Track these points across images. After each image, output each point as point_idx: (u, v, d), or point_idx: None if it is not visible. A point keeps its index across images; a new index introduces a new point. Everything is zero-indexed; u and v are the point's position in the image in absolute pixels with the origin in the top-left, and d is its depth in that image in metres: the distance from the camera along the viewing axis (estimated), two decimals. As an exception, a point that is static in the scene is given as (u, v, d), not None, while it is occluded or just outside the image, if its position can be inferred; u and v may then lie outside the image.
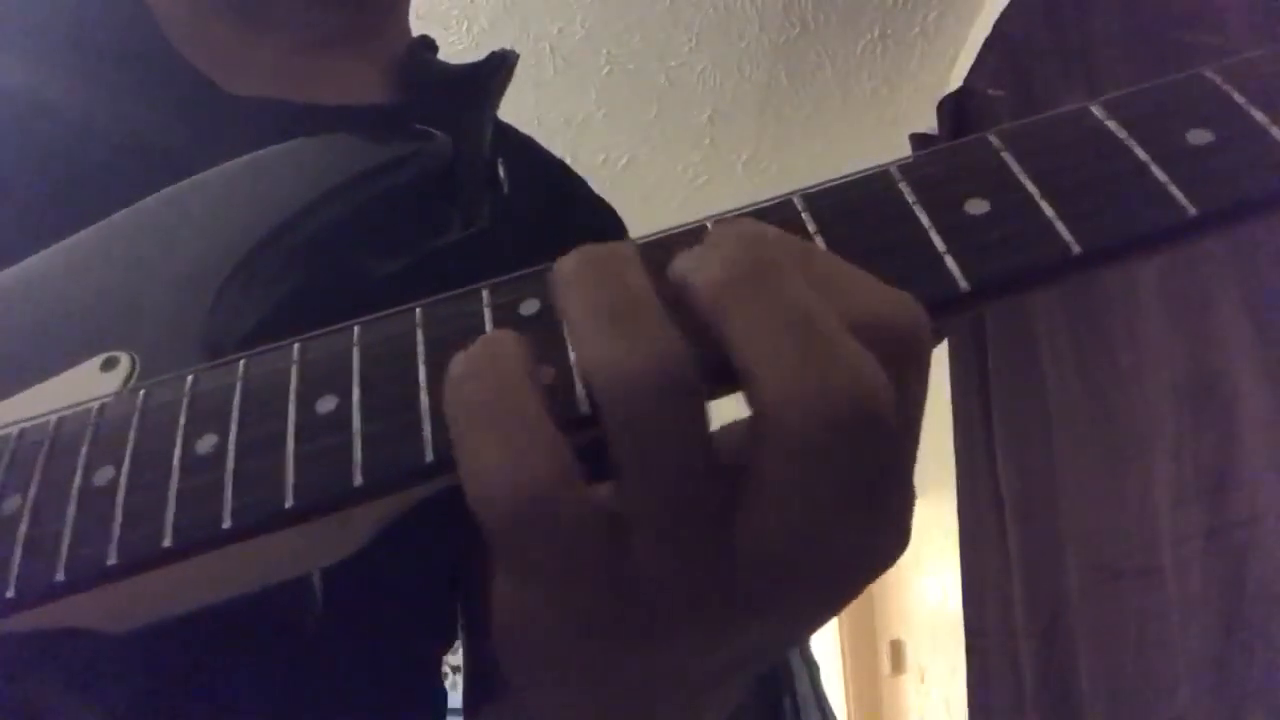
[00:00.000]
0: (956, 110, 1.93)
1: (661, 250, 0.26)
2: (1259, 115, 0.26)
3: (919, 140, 2.06)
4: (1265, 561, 1.10)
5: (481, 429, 0.23)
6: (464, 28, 1.93)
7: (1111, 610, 1.39)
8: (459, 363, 0.24)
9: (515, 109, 0.67)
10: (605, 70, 2.10)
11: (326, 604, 0.36)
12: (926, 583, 2.71)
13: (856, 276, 0.25)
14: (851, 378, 0.22)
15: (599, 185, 0.68)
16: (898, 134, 2.14)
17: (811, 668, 2.23)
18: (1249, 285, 1.14)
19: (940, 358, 1.95)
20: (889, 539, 0.26)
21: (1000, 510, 1.74)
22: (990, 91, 1.84)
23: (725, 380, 0.25)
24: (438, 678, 0.53)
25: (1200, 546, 1.18)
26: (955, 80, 2.04)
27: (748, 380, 0.23)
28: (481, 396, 0.24)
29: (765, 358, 0.23)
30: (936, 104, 2.00)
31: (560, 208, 0.60)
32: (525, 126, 0.67)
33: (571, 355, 0.26)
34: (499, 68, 0.59)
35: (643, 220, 0.64)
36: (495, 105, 0.57)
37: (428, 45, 0.63)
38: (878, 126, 2.27)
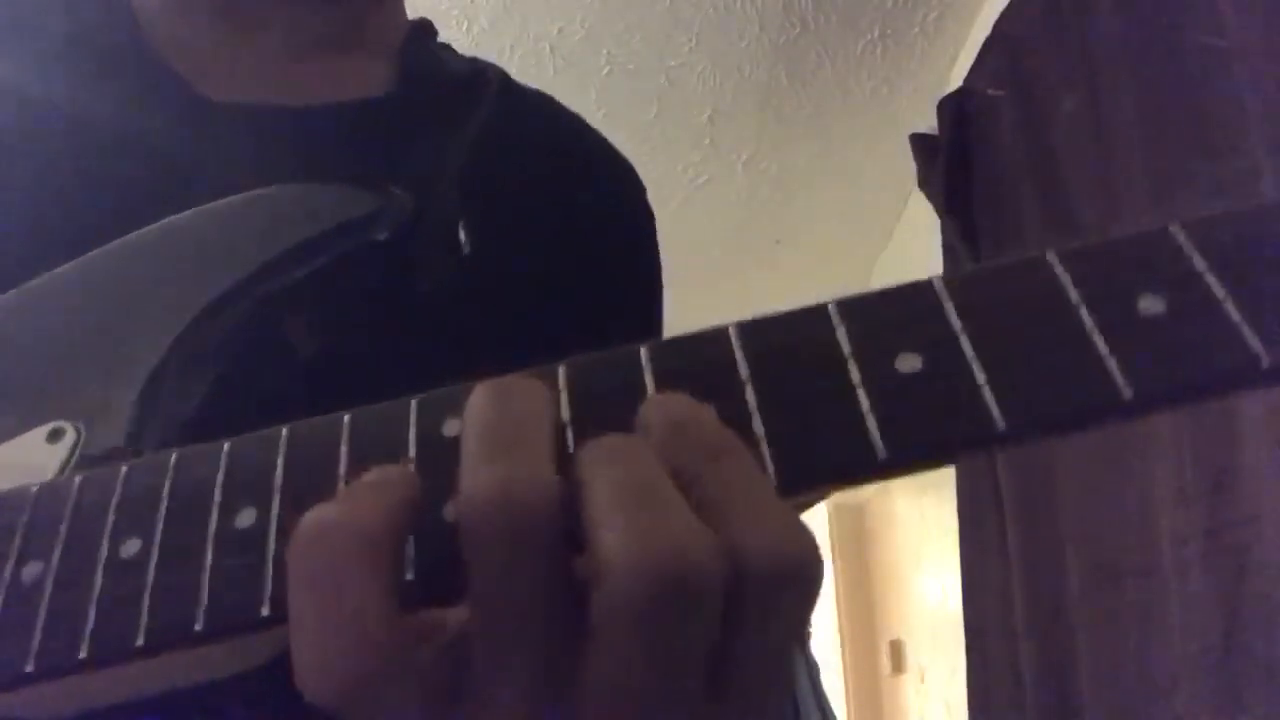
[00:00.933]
0: (956, 110, 1.93)
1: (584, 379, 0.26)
2: (1216, 287, 0.24)
3: (919, 140, 2.07)
4: (1265, 561, 1.10)
5: (313, 606, 0.24)
6: (464, 28, 1.93)
7: (1111, 610, 1.39)
8: (308, 522, 0.24)
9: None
10: (605, 70, 2.10)
11: (252, 704, 0.36)
12: (926, 583, 2.71)
13: (759, 493, 0.24)
14: (674, 538, 0.22)
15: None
16: (898, 134, 2.14)
17: (811, 668, 2.23)
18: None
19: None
20: (741, 712, 0.25)
21: (1000, 510, 1.74)
22: (990, 91, 1.84)
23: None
24: None
25: (1200, 546, 1.18)
26: (955, 80, 2.04)
27: (587, 540, 0.23)
28: (316, 567, 0.24)
29: (600, 518, 0.23)
30: (936, 104, 2.00)
31: (561, 220, 0.57)
32: (525, 126, 0.67)
33: None
34: (484, 86, 0.57)
35: (643, 220, 0.64)
36: (463, 145, 0.54)
37: (426, 30, 0.62)
38: (878, 126, 2.27)
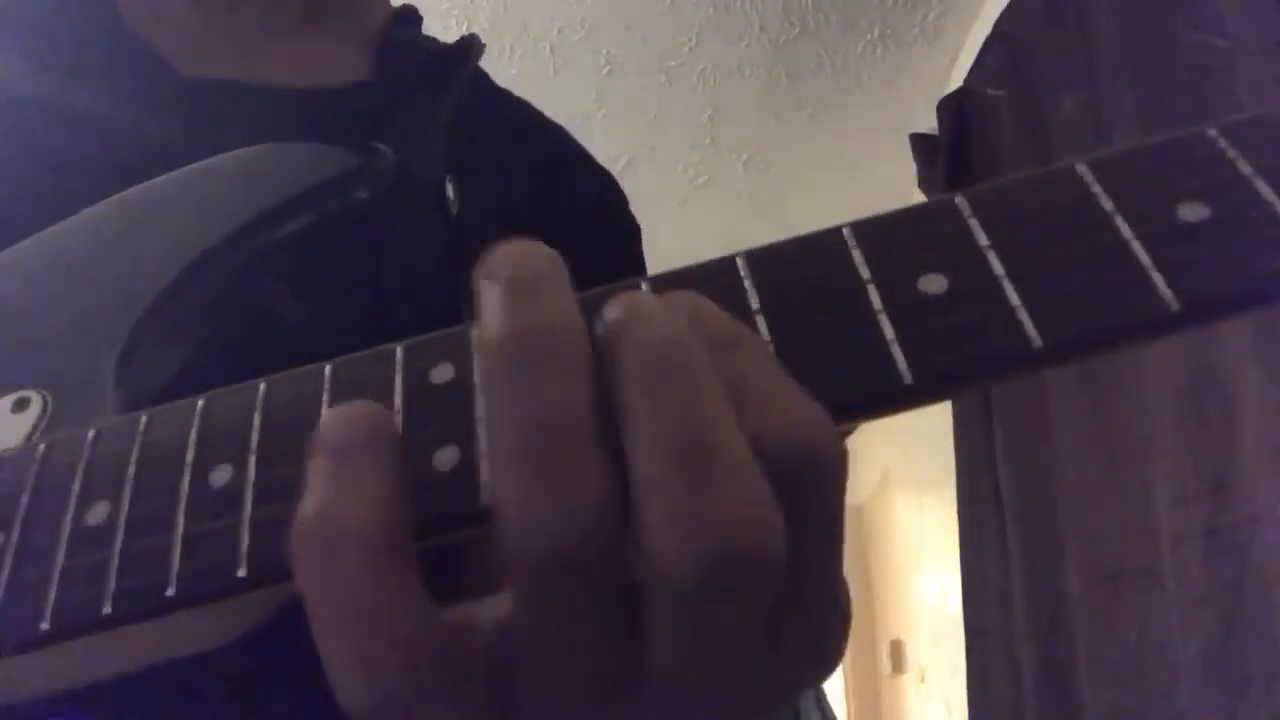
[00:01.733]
0: (956, 110, 1.93)
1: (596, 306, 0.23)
2: (1266, 191, 0.23)
3: (919, 140, 2.07)
4: (1265, 561, 1.10)
5: (313, 479, 0.22)
6: (464, 28, 1.93)
7: (1111, 610, 1.39)
8: (303, 527, 0.22)
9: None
10: (605, 70, 2.10)
11: (231, 680, 0.35)
12: (926, 583, 2.71)
13: (774, 384, 0.22)
14: (736, 525, 0.20)
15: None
16: (898, 134, 2.14)
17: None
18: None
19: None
20: (798, 669, 0.24)
21: (1000, 510, 1.74)
22: (990, 91, 1.84)
23: None
24: None
25: (1200, 546, 1.18)
26: (955, 80, 2.04)
27: (636, 511, 0.21)
28: (323, 454, 0.22)
29: (649, 481, 0.21)
30: (936, 104, 2.00)
31: (546, 197, 0.57)
32: (525, 127, 0.67)
33: (480, 441, 0.23)
34: (464, 56, 0.56)
35: (643, 220, 0.64)
36: (448, 108, 0.53)
37: (409, 17, 0.61)
38: (878, 126, 2.27)
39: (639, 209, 0.63)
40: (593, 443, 0.21)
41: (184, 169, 0.41)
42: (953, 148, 1.93)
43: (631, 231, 0.62)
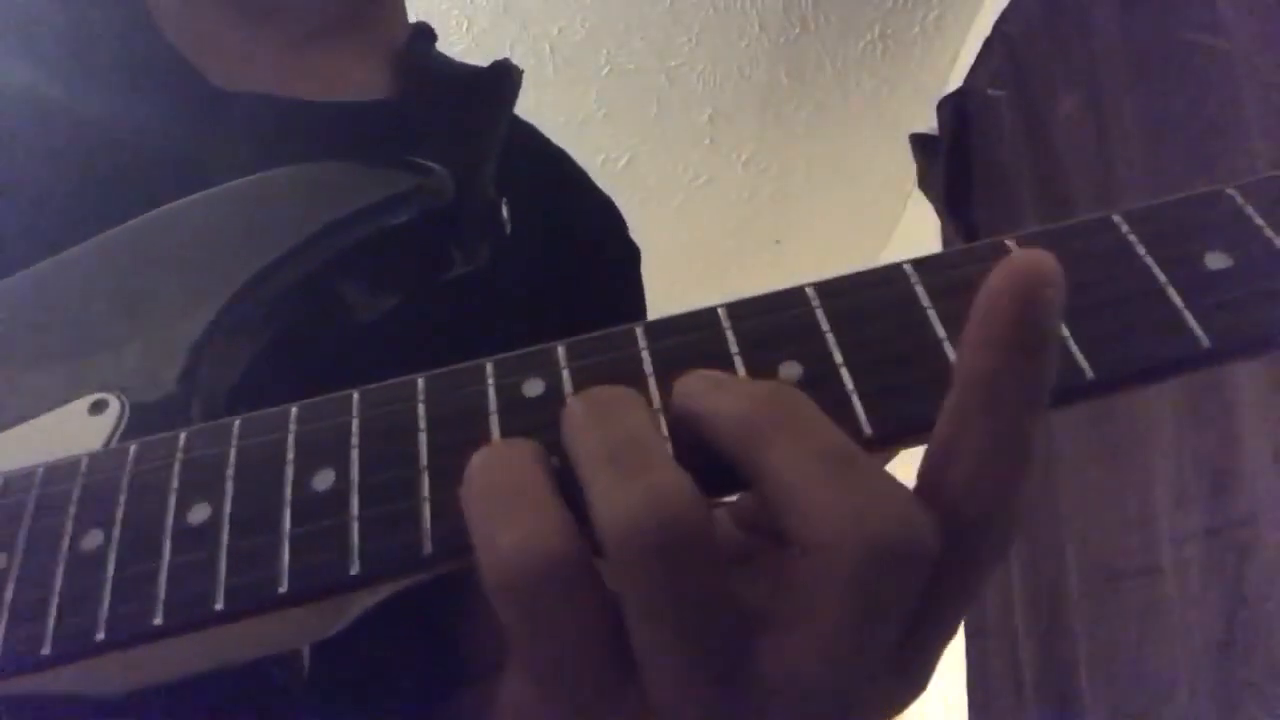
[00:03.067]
0: (956, 110, 1.93)
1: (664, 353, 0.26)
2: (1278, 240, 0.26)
3: (919, 140, 2.06)
4: (1265, 561, 1.10)
5: (496, 515, 0.23)
6: (464, 28, 1.93)
7: (1111, 610, 1.39)
8: (477, 456, 0.24)
9: (515, 109, 0.67)
10: (605, 70, 2.10)
11: (313, 675, 0.35)
12: (926, 583, 2.70)
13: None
14: (897, 505, 0.22)
15: (599, 185, 0.68)
16: (898, 134, 2.14)
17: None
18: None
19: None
20: (913, 684, 0.26)
21: (1000, 510, 1.73)
22: (990, 91, 1.83)
23: (726, 490, 0.25)
24: None
25: (1200, 546, 1.18)
26: (955, 80, 2.04)
27: (786, 511, 0.23)
28: (496, 484, 0.24)
29: (807, 487, 0.22)
30: (936, 104, 2.00)
31: (563, 222, 0.59)
32: (525, 127, 0.67)
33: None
34: (504, 83, 0.57)
35: (643, 220, 0.64)
36: (501, 133, 0.55)
37: (426, 35, 0.62)
38: (878, 126, 2.27)
39: (639, 209, 0.63)
40: (550, 493, 0.24)
41: (250, 177, 0.42)
42: (953, 148, 1.92)
43: (633, 257, 0.63)
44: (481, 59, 0.62)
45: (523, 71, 0.60)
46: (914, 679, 0.26)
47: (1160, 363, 0.25)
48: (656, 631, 0.23)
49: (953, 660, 2.09)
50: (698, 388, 0.25)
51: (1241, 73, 1.14)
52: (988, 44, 1.87)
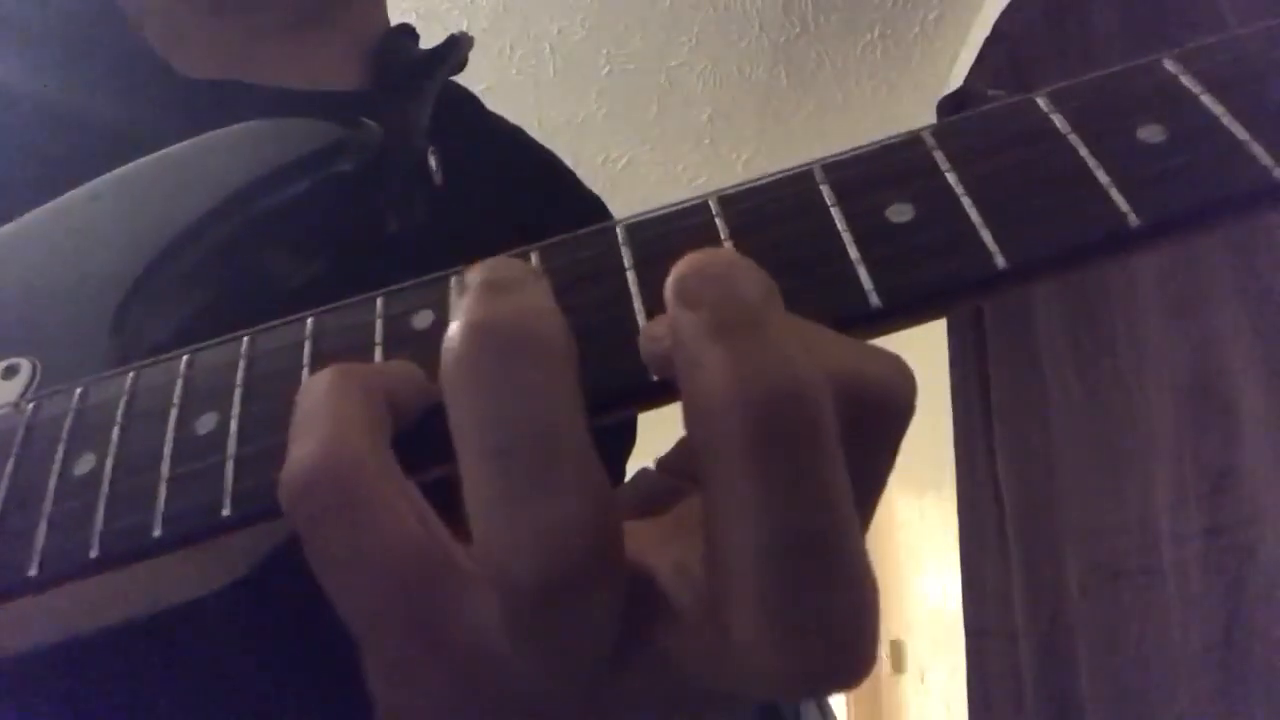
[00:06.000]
0: (956, 110, 1.91)
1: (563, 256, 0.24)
2: (1217, 109, 0.24)
3: (919, 140, 2.06)
4: (1265, 561, 1.10)
5: (295, 433, 0.22)
6: (464, 28, 1.93)
7: (1111, 610, 1.39)
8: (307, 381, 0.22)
9: (515, 109, 0.67)
10: (605, 70, 2.10)
11: (228, 624, 0.35)
12: (926, 583, 2.71)
13: (838, 338, 0.22)
14: (782, 358, 0.19)
15: (599, 185, 0.68)
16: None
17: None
18: (1249, 286, 1.14)
19: (940, 358, 1.95)
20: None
21: (1000, 510, 1.74)
22: (990, 91, 1.83)
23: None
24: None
25: (1200, 546, 1.18)
26: (955, 80, 2.04)
27: (702, 448, 0.20)
28: (301, 404, 0.22)
29: (698, 350, 0.19)
30: (936, 104, 2.00)
31: (523, 201, 0.58)
32: (525, 126, 0.67)
33: None
34: (452, 50, 0.57)
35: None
36: (434, 89, 0.54)
37: (406, 33, 0.61)
38: (878, 126, 2.27)
39: (638, 209, 0.63)
40: (578, 457, 0.20)
41: (173, 146, 0.42)
42: (953, 148, 1.92)
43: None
44: (482, 59, 0.62)
45: (473, 39, 0.59)
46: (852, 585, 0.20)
47: (1082, 244, 0.23)
48: (537, 659, 0.21)
49: (953, 660, 2.10)
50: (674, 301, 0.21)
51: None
52: (988, 44, 1.88)
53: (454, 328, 0.20)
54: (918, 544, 2.78)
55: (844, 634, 0.19)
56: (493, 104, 0.65)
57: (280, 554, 0.26)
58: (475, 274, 0.21)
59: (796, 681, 0.20)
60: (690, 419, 0.20)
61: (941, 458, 1.95)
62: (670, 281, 0.20)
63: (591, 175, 0.69)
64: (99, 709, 0.38)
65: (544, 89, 2.10)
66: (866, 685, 3.62)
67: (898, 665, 3.17)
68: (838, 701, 3.35)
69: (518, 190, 0.58)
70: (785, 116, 2.26)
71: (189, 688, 0.39)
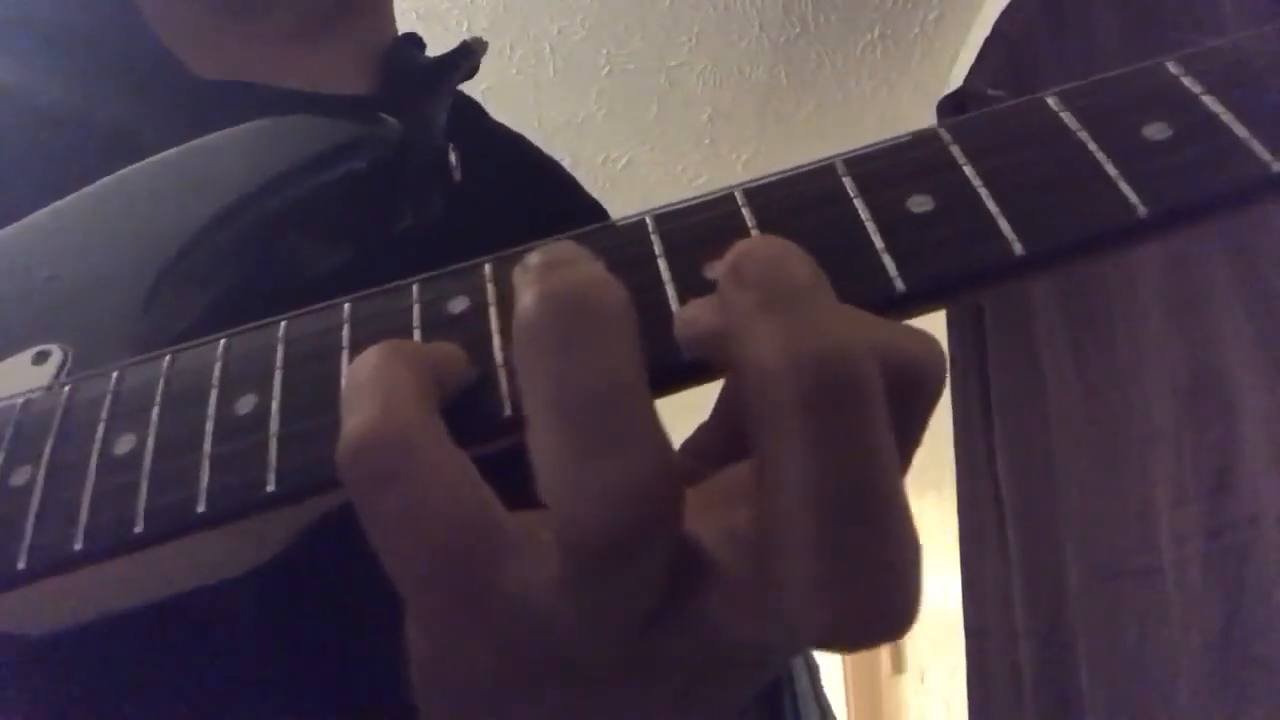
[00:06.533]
0: (956, 110, 1.93)
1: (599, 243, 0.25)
2: (1217, 108, 0.25)
3: (919, 140, 2.06)
4: (1265, 561, 1.10)
5: (347, 406, 0.22)
6: (464, 28, 1.93)
7: (1111, 610, 1.39)
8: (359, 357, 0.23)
9: (515, 109, 0.67)
10: (605, 70, 2.10)
11: (256, 606, 0.35)
12: (927, 583, 2.71)
13: (873, 317, 0.23)
14: (832, 331, 0.20)
15: (599, 185, 0.68)
16: (897, 134, 2.14)
17: (811, 668, 2.23)
18: (1249, 285, 1.14)
19: (940, 358, 1.95)
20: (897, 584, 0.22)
21: (1000, 510, 1.74)
22: (990, 91, 1.84)
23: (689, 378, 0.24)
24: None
25: (1200, 546, 1.18)
26: (955, 80, 2.04)
27: (731, 348, 0.21)
28: (352, 377, 0.23)
29: (747, 323, 0.21)
30: (936, 104, 2.00)
31: (533, 202, 0.59)
32: (525, 126, 0.67)
33: (497, 354, 0.25)
34: (466, 56, 0.58)
35: (643, 220, 0.64)
36: (451, 90, 0.56)
37: (413, 41, 0.62)
38: (878, 126, 2.27)
39: (638, 209, 0.63)
40: (643, 413, 0.21)
41: (201, 139, 0.42)
42: (953, 148, 1.92)
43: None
44: (482, 59, 0.62)
45: (486, 44, 0.60)
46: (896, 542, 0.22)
47: (1095, 233, 0.25)
48: (589, 596, 0.22)
49: (953, 660, 2.10)
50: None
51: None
52: (988, 44, 1.88)
53: (524, 299, 0.21)
54: (918, 544, 2.78)
55: (890, 581, 0.21)
56: (493, 104, 0.66)
57: (310, 535, 0.28)
58: (535, 256, 0.22)
59: (844, 632, 0.21)
60: (745, 386, 0.21)
61: (941, 458, 1.95)
62: (726, 264, 0.22)
63: (591, 175, 0.69)
64: (129, 687, 0.39)
65: (544, 89, 2.10)
66: (866, 685, 3.64)
67: (898, 665, 3.17)
68: (838, 702, 3.35)
69: (526, 191, 0.59)
70: (785, 116, 2.26)
71: (218, 665, 0.40)
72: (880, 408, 0.20)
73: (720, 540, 0.22)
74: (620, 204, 0.69)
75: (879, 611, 0.21)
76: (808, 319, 0.21)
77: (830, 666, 3.37)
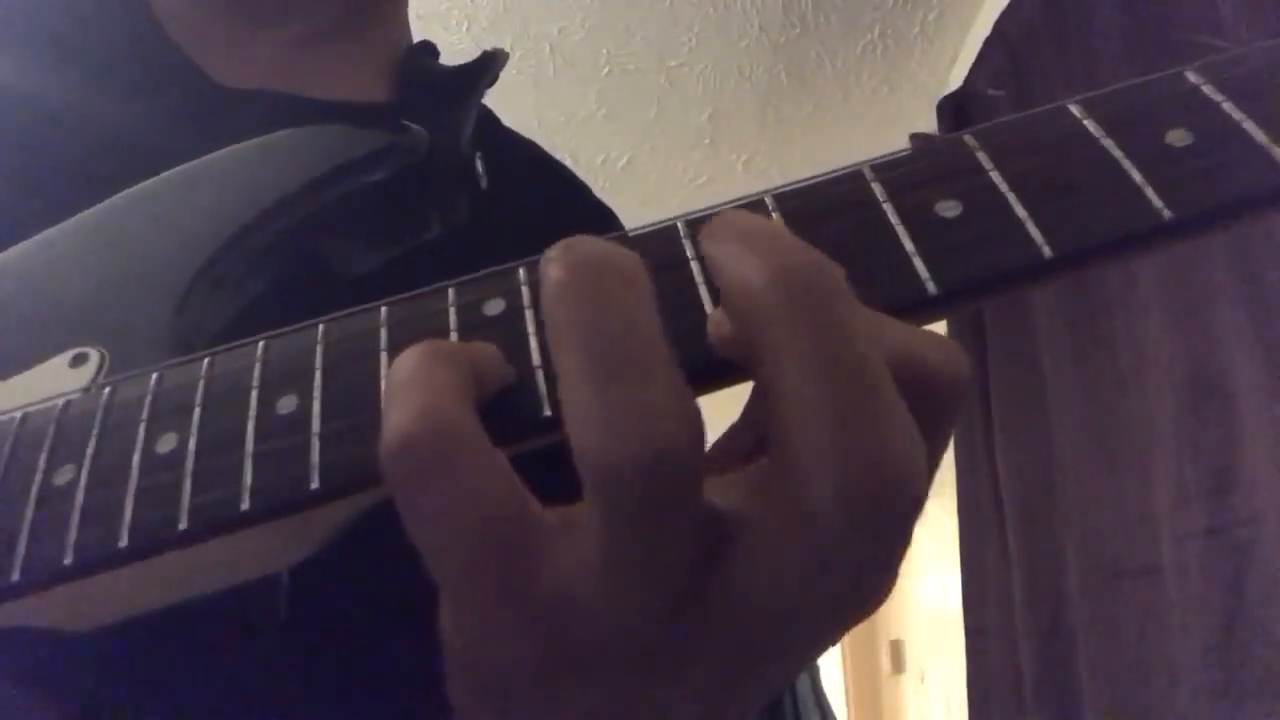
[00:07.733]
0: (956, 110, 1.93)
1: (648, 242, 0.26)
2: (1238, 115, 0.26)
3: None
4: (1265, 561, 1.10)
5: (389, 401, 0.23)
6: (464, 28, 1.93)
7: (1111, 610, 1.39)
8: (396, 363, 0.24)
9: (515, 109, 0.67)
10: (605, 70, 2.10)
11: (293, 605, 0.36)
12: (926, 583, 2.71)
13: (896, 323, 0.24)
14: (893, 462, 0.21)
15: (599, 185, 0.68)
16: (898, 134, 2.14)
17: (811, 668, 2.23)
18: (1249, 285, 1.14)
19: (940, 358, 1.95)
20: (879, 590, 0.25)
21: (1000, 510, 1.74)
22: (990, 91, 1.84)
23: (719, 376, 0.25)
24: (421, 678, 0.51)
25: (1200, 546, 1.18)
26: (955, 80, 2.04)
27: (775, 421, 0.22)
28: (394, 375, 0.24)
29: (803, 405, 0.21)
30: (936, 104, 2.00)
31: (554, 208, 0.60)
32: (525, 126, 0.67)
33: (534, 355, 0.26)
34: (488, 66, 0.58)
35: (643, 221, 0.64)
36: (477, 100, 0.56)
37: (428, 50, 0.63)
38: (878, 126, 2.27)
39: (639, 209, 0.64)
40: (663, 356, 0.22)
41: (233, 146, 0.43)
42: (953, 148, 1.92)
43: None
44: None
45: (508, 55, 0.61)
46: (879, 587, 0.25)
47: (1121, 236, 0.25)
48: (620, 554, 0.22)
49: (953, 660, 2.10)
50: (724, 242, 0.24)
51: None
52: (988, 44, 1.88)
53: (550, 272, 0.23)
54: (917, 544, 2.78)
55: (898, 469, 0.21)
56: (493, 104, 0.66)
57: (351, 532, 0.28)
58: (558, 246, 0.23)
59: (863, 537, 0.22)
60: (764, 386, 0.22)
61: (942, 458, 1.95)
62: (755, 268, 0.23)
63: (591, 175, 0.69)
64: (168, 684, 0.39)
65: (544, 89, 2.10)
66: (866, 685, 3.64)
67: (898, 665, 3.17)
68: (838, 702, 3.35)
69: (549, 197, 0.60)
70: (785, 116, 2.25)
71: (257, 662, 0.40)
72: (855, 307, 0.22)
73: (744, 497, 0.23)
74: (620, 204, 0.69)
75: (890, 502, 0.22)
76: (831, 323, 0.21)
77: (830, 666, 3.37)
